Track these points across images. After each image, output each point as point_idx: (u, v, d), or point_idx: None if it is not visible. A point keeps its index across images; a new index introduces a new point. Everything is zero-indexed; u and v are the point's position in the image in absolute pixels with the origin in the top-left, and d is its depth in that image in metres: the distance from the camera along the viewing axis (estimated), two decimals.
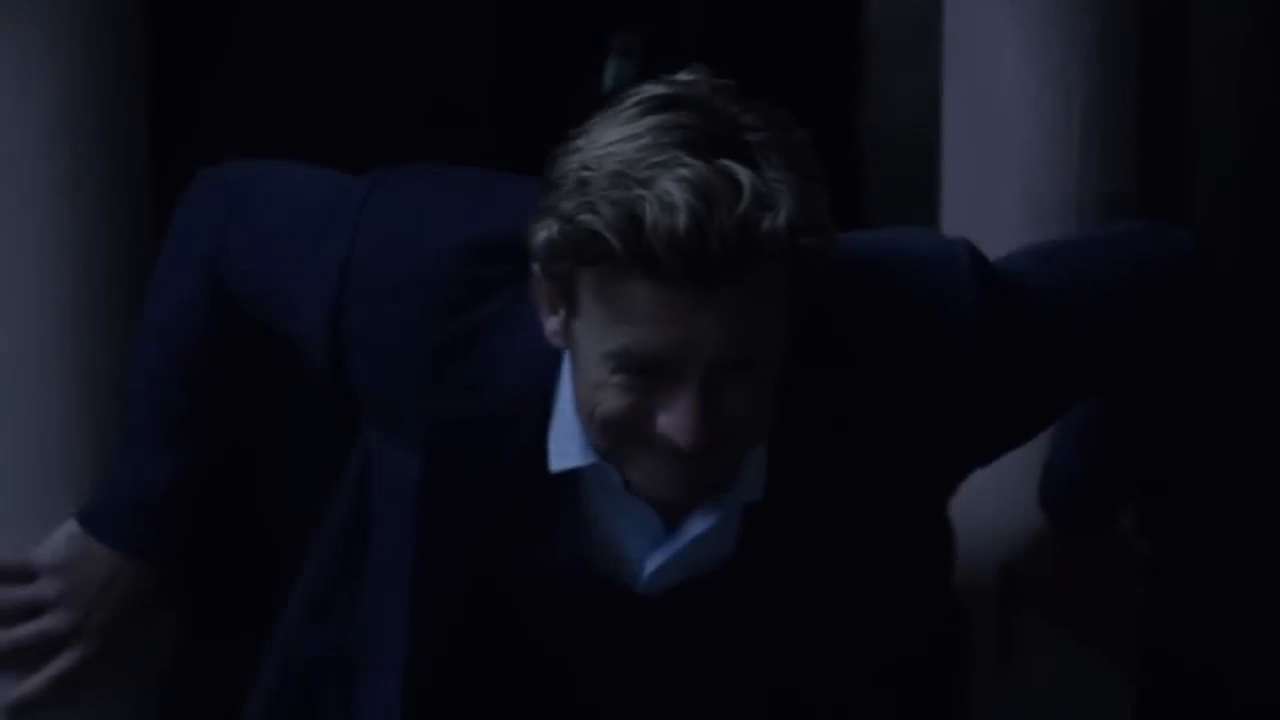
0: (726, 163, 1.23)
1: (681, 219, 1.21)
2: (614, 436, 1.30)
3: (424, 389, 1.38)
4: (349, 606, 1.51)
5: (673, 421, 1.27)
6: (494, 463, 1.38)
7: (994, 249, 1.59)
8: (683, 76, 1.30)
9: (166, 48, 2.51)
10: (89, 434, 1.90)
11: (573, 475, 1.37)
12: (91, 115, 1.98)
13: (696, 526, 1.37)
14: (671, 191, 1.22)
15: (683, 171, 1.22)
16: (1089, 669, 1.94)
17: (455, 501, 1.40)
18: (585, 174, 1.24)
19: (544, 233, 1.26)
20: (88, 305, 1.96)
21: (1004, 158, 2.12)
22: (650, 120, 1.26)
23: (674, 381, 1.26)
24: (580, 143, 1.27)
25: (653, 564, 1.39)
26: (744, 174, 1.23)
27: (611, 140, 1.25)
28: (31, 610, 1.70)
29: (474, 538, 1.41)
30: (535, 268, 1.29)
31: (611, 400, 1.28)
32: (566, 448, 1.36)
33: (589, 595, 1.42)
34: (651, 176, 1.23)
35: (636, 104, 1.27)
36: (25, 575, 1.71)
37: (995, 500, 1.84)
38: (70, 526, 1.68)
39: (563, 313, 1.30)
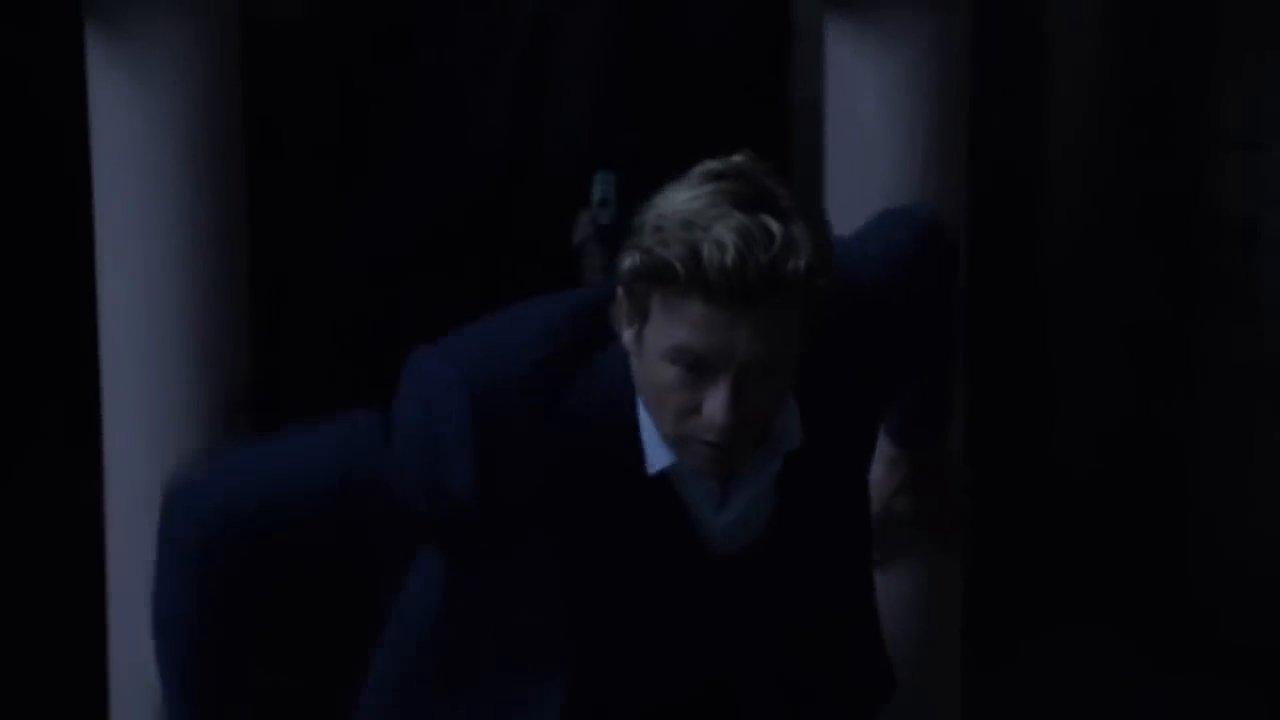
0: (764, 217, 1.71)
1: (730, 256, 1.68)
2: (673, 416, 1.74)
3: (550, 459, 1.76)
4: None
5: (711, 407, 1.72)
6: (612, 481, 1.78)
7: None
8: (734, 158, 1.78)
9: None
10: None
11: (663, 473, 1.79)
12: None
13: (748, 490, 1.83)
14: (723, 235, 1.69)
15: (731, 221, 1.69)
16: (928, 549, 2.70)
17: (595, 539, 1.79)
18: (661, 220, 1.73)
19: (629, 261, 1.75)
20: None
21: (869, 178, 2.87)
22: (709, 186, 1.74)
23: (714, 377, 1.72)
24: (656, 200, 1.76)
25: (723, 521, 1.82)
26: (776, 226, 1.71)
27: (681, 199, 1.73)
28: None
29: (613, 554, 1.81)
30: (619, 290, 1.76)
31: (669, 386, 1.73)
32: (656, 453, 1.78)
33: (684, 561, 1.84)
34: (709, 224, 1.70)
35: (700, 174, 1.76)
36: None
37: None
38: None
39: (637, 324, 1.75)
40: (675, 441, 1.76)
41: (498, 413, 1.74)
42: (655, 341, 1.73)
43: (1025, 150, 4.28)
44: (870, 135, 2.82)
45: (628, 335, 1.76)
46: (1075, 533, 4.21)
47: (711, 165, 1.76)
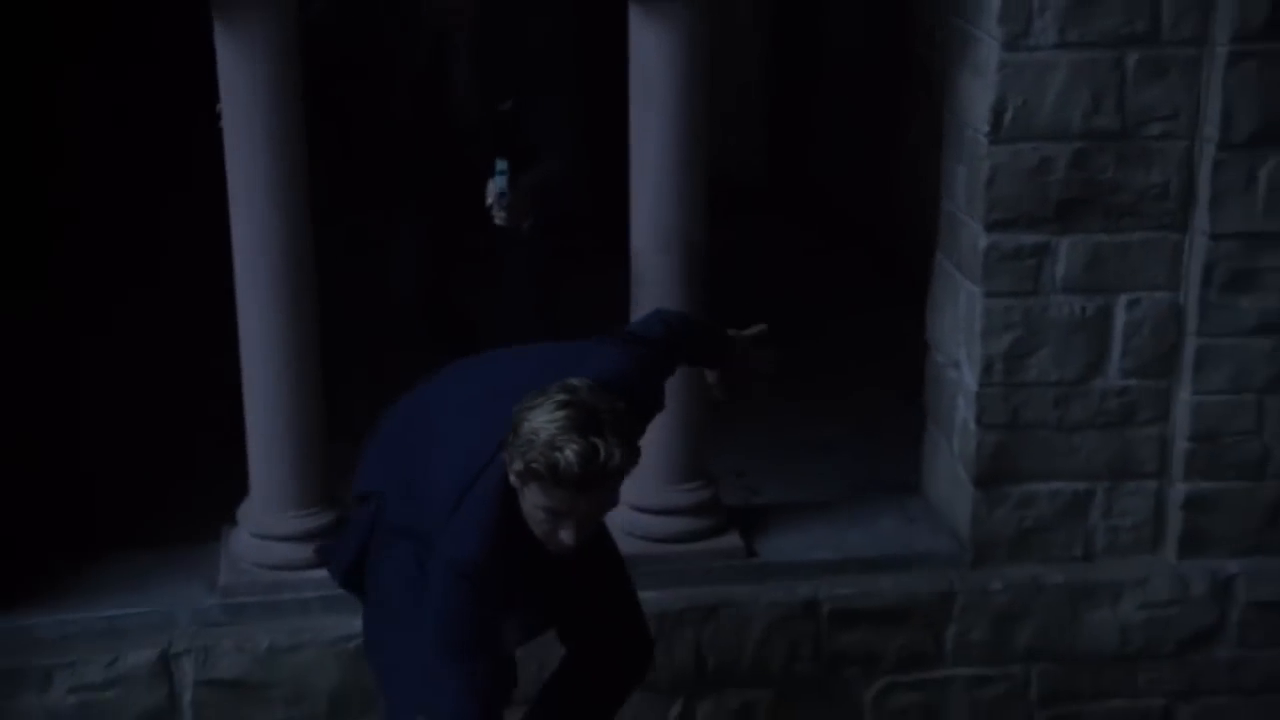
0: (594, 439, 2.95)
1: (575, 469, 2.95)
2: (542, 535, 3.10)
3: (510, 557, 3.17)
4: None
5: (564, 538, 3.08)
6: (535, 552, 3.15)
7: None
8: (575, 382, 3.02)
9: None
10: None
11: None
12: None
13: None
14: (570, 456, 2.95)
15: (575, 445, 2.95)
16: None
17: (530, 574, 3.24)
18: (531, 437, 2.97)
19: (515, 466, 3.02)
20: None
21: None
22: (560, 412, 2.97)
23: (564, 520, 3.05)
24: (529, 415, 2.98)
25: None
26: (603, 446, 2.96)
27: (542, 420, 2.97)
28: None
29: (519, 573, 3.19)
30: (512, 476, 3.05)
31: (538, 523, 3.08)
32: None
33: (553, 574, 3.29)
34: (562, 446, 2.95)
35: (555, 401, 2.98)
36: None
37: None
38: None
39: (521, 492, 3.06)
40: (544, 542, 3.12)
41: (480, 570, 3.12)
42: (531, 501, 3.05)
43: None
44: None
45: (520, 496, 3.08)
46: None
47: (561, 395, 2.98)
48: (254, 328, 3.98)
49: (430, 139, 4.43)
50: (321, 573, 3.94)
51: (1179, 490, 4.22)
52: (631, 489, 3.88)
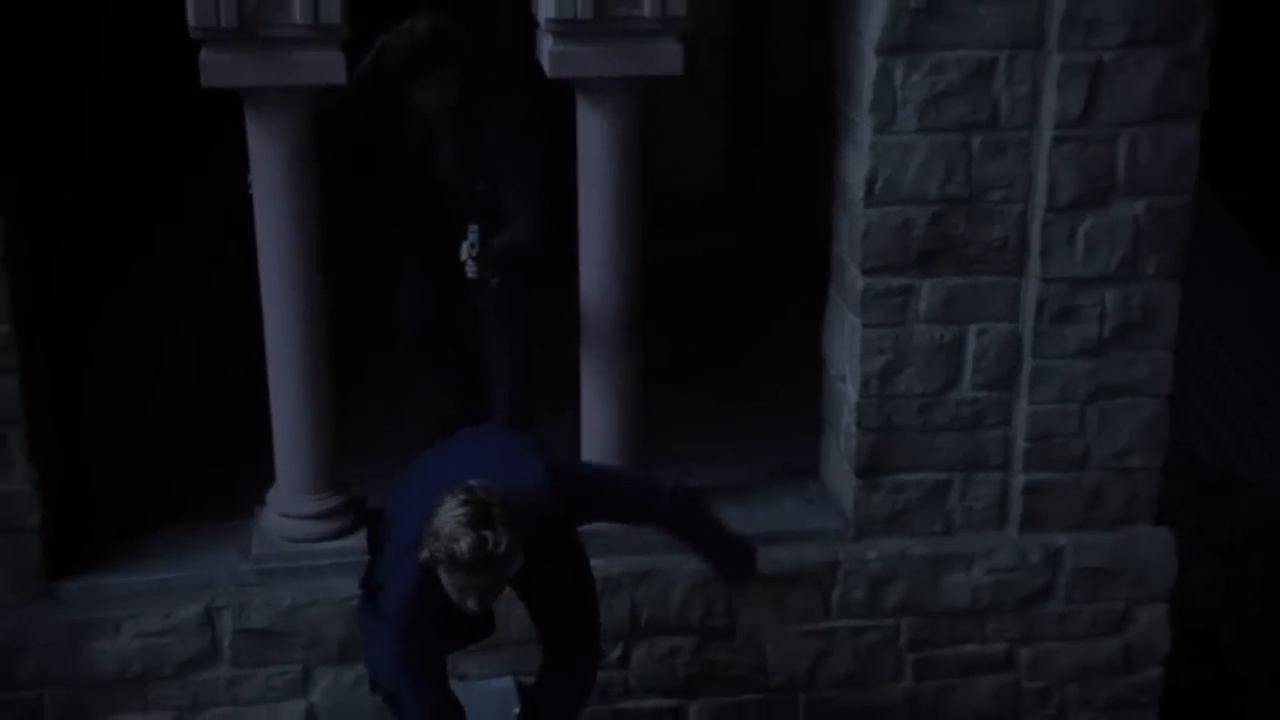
0: (485, 532, 3.89)
1: (468, 558, 3.90)
2: (456, 602, 4.05)
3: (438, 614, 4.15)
4: None
5: (471, 605, 4.03)
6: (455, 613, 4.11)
7: None
8: (475, 483, 3.98)
9: None
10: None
11: None
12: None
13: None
14: (465, 547, 3.89)
15: (469, 539, 3.88)
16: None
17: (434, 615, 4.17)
18: (438, 530, 3.92)
19: (426, 554, 3.97)
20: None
21: None
22: (459, 510, 3.90)
23: (469, 594, 3.99)
24: (438, 512, 3.93)
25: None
26: (490, 536, 3.89)
27: (446, 516, 3.91)
28: None
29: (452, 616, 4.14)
30: (423, 560, 4.00)
31: (453, 594, 4.02)
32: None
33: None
34: (459, 538, 3.88)
35: (457, 500, 3.92)
36: None
37: None
38: None
39: (436, 571, 4.01)
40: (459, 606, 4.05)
41: (415, 625, 4.09)
42: (444, 580, 3.99)
43: None
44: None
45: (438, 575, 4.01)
46: None
47: (462, 495, 3.90)
48: (279, 351, 5.00)
49: (424, 205, 5.45)
50: (333, 544, 5.03)
51: (1019, 479, 5.26)
52: None
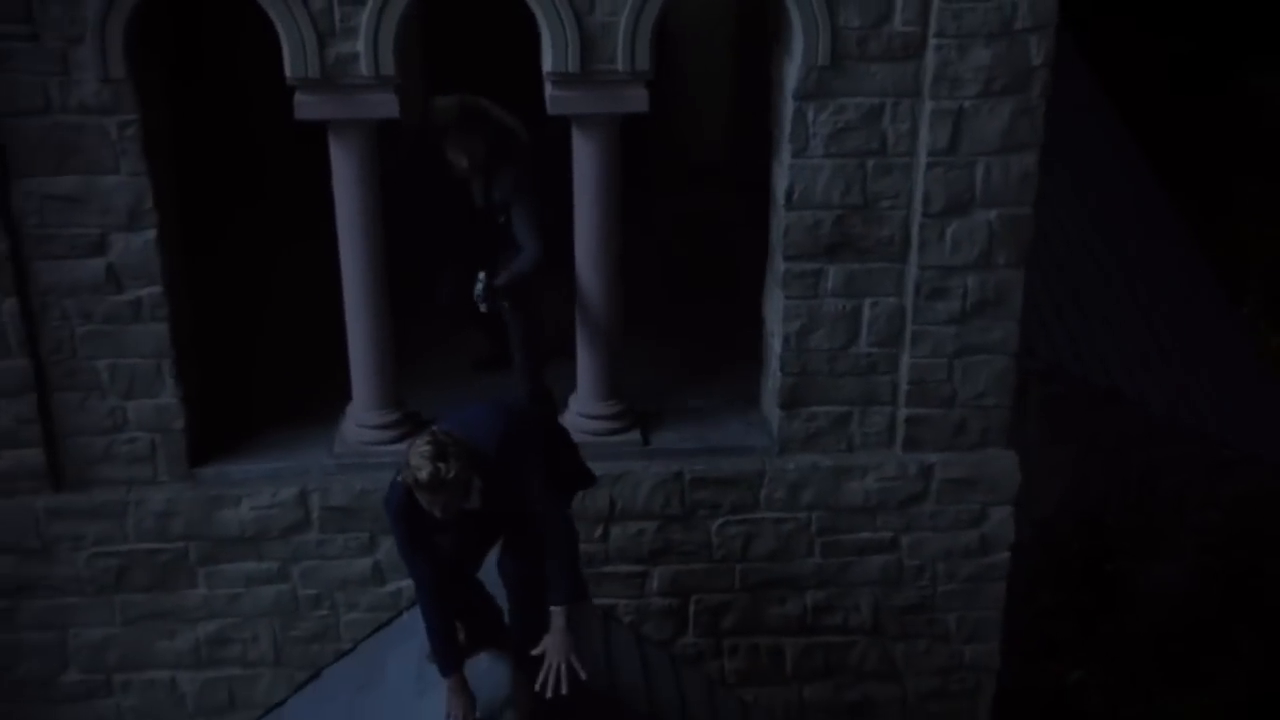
0: (440, 464, 5.76)
1: (426, 480, 5.76)
2: (428, 509, 5.95)
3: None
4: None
5: (436, 512, 5.85)
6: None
7: None
8: (438, 429, 5.91)
9: None
10: None
11: None
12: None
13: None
14: (424, 473, 5.75)
15: (428, 468, 5.74)
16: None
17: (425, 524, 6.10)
18: (408, 460, 5.81)
19: (400, 477, 5.94)
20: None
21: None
22: (424, 448, 5.78)
23: (436, 506, 5.83)
24: (410, 449, 5.83)
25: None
26: (443, 466, 5.76)
27: (414, 452, 5.80)
28: None
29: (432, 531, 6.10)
30: (401, 480, 5.98)
31: (425, 505, 5.86)
32: None
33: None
34: (421, 466, 5.75)
35: (424, 439, 5.84)
36: None
37: None
38: None
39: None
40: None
41: (404, 518, 5.91)
42: (416, 494, 5.79)
43: None
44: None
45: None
46: None
47: (428, 436, 5.72)
48: (354, 302, 6.83)
49: (463, 225, 7.28)
50: (393, 446, 6.96)
51: (903, 413, 7.01)
52: (578, 404, 6.86)
